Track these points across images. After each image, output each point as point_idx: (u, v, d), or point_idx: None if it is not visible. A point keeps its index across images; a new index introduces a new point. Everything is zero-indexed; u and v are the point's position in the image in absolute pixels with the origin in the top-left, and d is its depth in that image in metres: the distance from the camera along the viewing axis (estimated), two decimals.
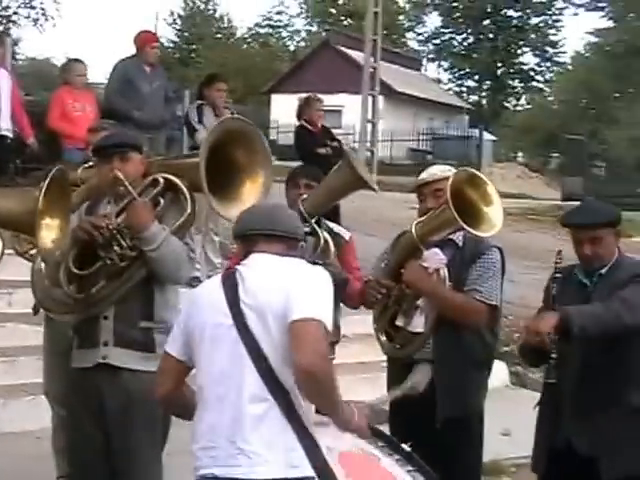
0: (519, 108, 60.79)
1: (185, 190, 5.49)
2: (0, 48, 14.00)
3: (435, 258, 5.67)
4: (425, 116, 48.28)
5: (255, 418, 3.96)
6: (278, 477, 3.91)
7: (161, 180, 5.51)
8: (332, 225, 6.35)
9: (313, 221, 5.99)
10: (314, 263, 5.08)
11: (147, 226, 5.30)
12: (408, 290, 5.73)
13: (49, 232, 5.41)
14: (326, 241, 5.98)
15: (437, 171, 5.93)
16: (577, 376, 5.25)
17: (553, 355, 5.17)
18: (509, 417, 6.17)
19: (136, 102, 12.41)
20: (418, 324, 5.76)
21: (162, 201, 5.50)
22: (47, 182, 5.23)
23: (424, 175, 5.92)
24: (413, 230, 5.75)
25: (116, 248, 5.36)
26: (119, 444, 5.45)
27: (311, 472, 3.95)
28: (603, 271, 5.34)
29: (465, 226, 5.48)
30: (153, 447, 5.57)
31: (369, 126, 23.34)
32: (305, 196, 6.15)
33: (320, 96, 14.03)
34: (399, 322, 5.83)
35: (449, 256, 5.73)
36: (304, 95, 14.39)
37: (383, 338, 5.90)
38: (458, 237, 5.77)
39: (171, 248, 5.36)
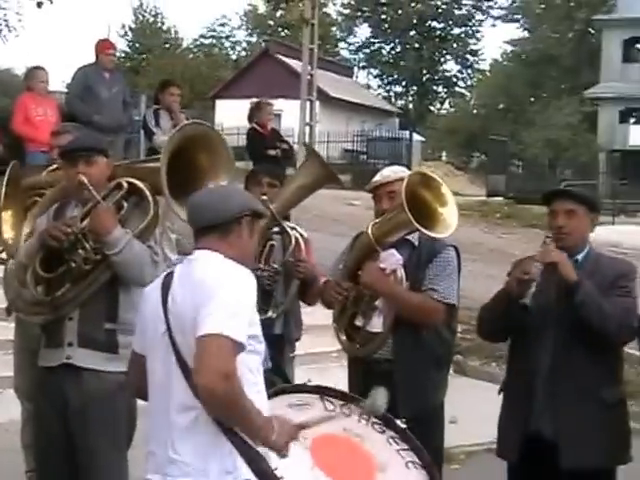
0: (443, 112, 62.02)
1: (148, 194, 5.25)
2: None
3: (392, 259, 5.42)
4: (358, 119, 48.58)
5: (183, 428, 3.70)
6: None
7: (125, 184, 5.26)
8: (292, 224, 6.07)
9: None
10: (287, 262, 5.17)
11: (110, 231, 5.08)
12: (366, 291, 5.48)
13: (8, 227, 5.50)
14: (297, 239, 5.76)
15: (390, 173, 5.72)
16: (553, 367, 5.03)
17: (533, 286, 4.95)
18: (453, 405, 5.78)
19: (95, 107, 12.40)
20: (377, 324, 5.53)
21: (125, 205, 5.27)
22: (5, 180, 5.20)
23: (377, 177, 5.73)
24: (369, 231, 5.54)
25: (80, 252, 5.15)
26: (81, 443, 5.23)
27: (249, 475, 3.66)
28: (579, 257, 5.13)
29: (421, 228, 5.23)
30: (115, 446, 5.32)
31: (307, 129, 23.45)
32: (265, 197, 5.84)
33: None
34: (358, 322, 5.61)
35: (406, 256, 5.49)
36: (254, 99, 14.47)
37: (343, 337, 5.68)
38: (414, 237, 5.54)
39: (134, 252, 5.12)
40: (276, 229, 5.92)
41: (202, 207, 3.97)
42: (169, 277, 3.92)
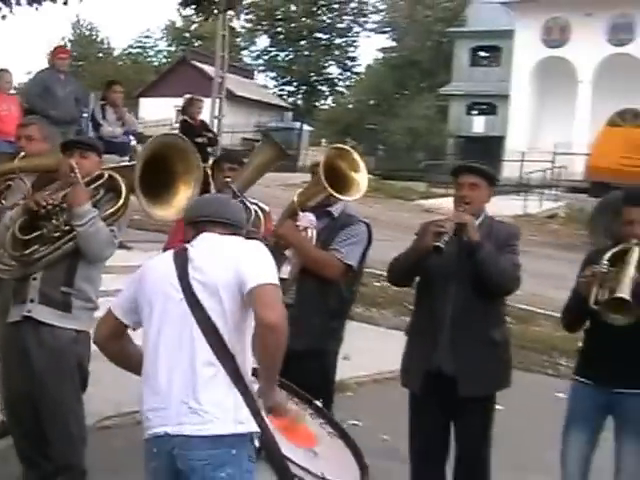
0: (326, 107, 61.10)
1: (123, 186, 5.15)
2: None
3: (306, 219, 5.38)
4: (258, 113, 47.97)
5: (205, 381, 3.51)
6: (227, 433, 3.48)
7: (105, 175, 5.19)
8: (254, 200, 5.88)
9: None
10: (248, 231, 4.82)
11: (80, 204, 4.97)
12: (280, 241, 5.39)
13: None
14: (256, 213, 5.61)
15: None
16: (454, 316, 5.00)
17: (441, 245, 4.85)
18: (345, 345, 5.68)
19: (52, 103, 12.12)
20: (285, 272, 5.41)
21: (102, 192, 5.18)
22: None
23: (317, 158, 5.75)
24: (295, 198, 5.50)
25: (53, 221, 5.06)
26: (40, 387, 5.15)
27: (256, 428, 3.55)
28: (477, 222, 5.03)
29: (330, 190, 5.21)
30: (70, 388, 5.23)
31: (216, 121, 23.14)
32: (229, 179, 5.77)
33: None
34: None
35: (324, 224, 5.43)
36: (187, 96, 14.54)
37: None
38: (336, 209, 5.46)
39: (96, 228, 5.01)
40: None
41: (222, 204, 3.91)
42: (182, 254, 3.71)
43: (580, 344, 5.25)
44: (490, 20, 42.03)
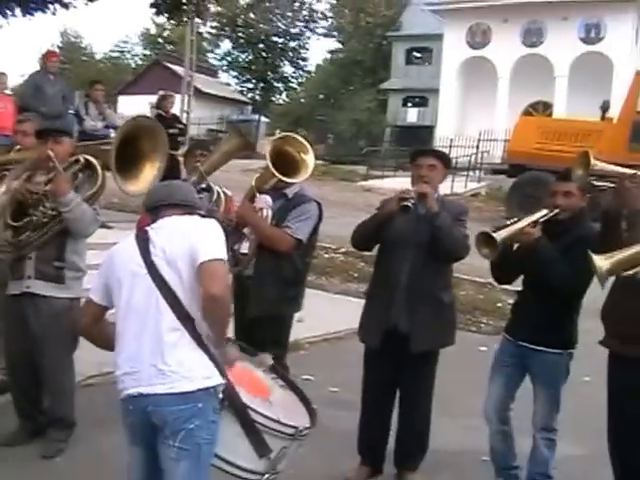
0: (281, 101, 60.76)
1: (99, 169, 5.14)
2: None
3: (262, 201, 5.31)
4: (221, 107, 47.65)
5: (171, 345, 3.44)
6: (194, 389, 3.43)
7: (82, 159, 5.15)
8: (217, 186, 5.86)
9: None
10: (210, 212, 4.85)
11: (64, 194, 4.97)
12: (239, 220, 5.37)
13: None
14: (219, 194, 5.52)
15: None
16: (410, 280, 4.95)
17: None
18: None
19: (43, 101, 11.97)
20: (245, 247, 5.45)
21: (80, 176, 5.16)
22: None
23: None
24: (253, 183, 5.41)
25: (41, 208, 5.07)
26: (39, 350, 5.24)
27: (222, 380, 3.51)
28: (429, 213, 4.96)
29: (278, 175, 5.12)
30: (63, 349, 5.31)
31: (184, 115, 22.99)
32: (198, 164, 5.72)
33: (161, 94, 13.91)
34: (235, 247, 5.47)
35: (280, 204, 5.34)
36: (161, 92, 14.29)
37: None
38: (290, 191, 5.36)
39: (81, 210, 5.02)
40: (203, 186, 5.67)
41: (175, 188, 3.79)
42: (143, 235, 3.62)
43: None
44: (422, 25, 42.21)
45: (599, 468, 4.64)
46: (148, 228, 3.66)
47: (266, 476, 3.73)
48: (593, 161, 4.16)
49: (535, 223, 4.64)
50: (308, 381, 6.00)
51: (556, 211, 4.69)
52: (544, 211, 4.70)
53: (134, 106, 34.08)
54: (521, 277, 5.00)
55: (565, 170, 4.66)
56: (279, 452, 3.72)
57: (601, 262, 3.86)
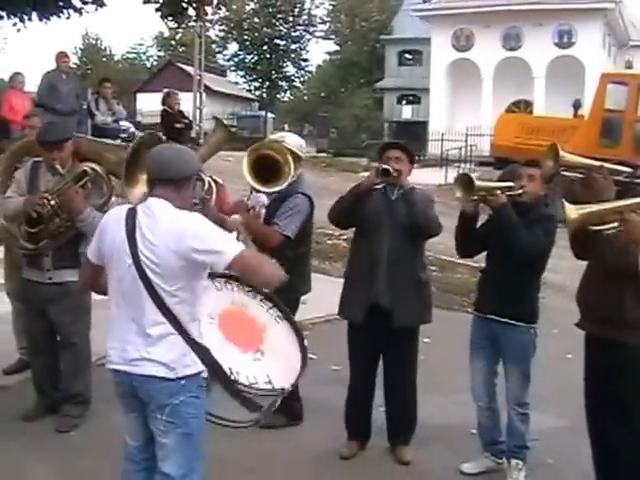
0: (286, 99, 60.89)
1: (107, 179, 5.06)
2: None
3: (255, 199, 5.09)
4: (231, 104, 47.27)
5: (154, 337, 3.24)
6: (177, 376, 3.26)
7: (90, 171, 5.01)
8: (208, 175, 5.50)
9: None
10: (203, 199, 4.66)
11: (81, 212, 4.90)
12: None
13: None
14: (210, 184, 5.12)
15: (274, 137, 5.52)
16: (389, 258, 4.83)
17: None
18: None
19: (57, 98, 11.96)
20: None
21: (89, 186, 5.04)
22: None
23: (273, 137, 5.58)
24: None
25: (56, 220, 5.00)
26: (59, 330, 5.23)
27: (202, 367, 3.32)
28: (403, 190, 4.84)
29: (255, 185, 4.86)
30: (81, 328, 5.26)
31: (197, 111, 22.90)
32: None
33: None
34: None
35: (270, 199, 5.15)
36: (165, 90, 14.18)
37: None
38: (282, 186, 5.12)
39: (96, 221, 4.66)
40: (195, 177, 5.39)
41: (166, 162, 3.30)
42: (131, 217, 3.30)
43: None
44: (412, 29, 41.90)
45: (581, 439, 4.49)
46: (138, 207, 3.33)
47: (260, 422, 3.73)
48: (562, 153, 4.11)
49: (503, 190, 4.59)
50: (311, 360, 5.86)
51: (520, 191, 4.61)
52: (512, 184, 4.65)
53: (150, 102, 34.07)
54: (484, 255, 4.92)
55: (531, 157, 4.72)
56: (270, 405, 3.67)
57: (571, 211, 3.82)
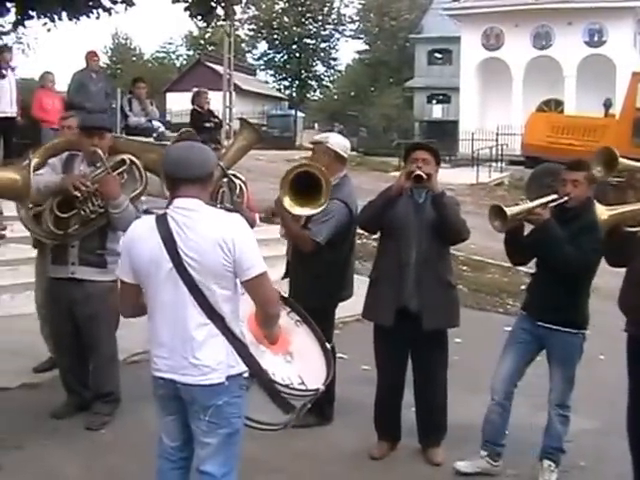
0: (315, 98, 60.76)
1: (142, 170, 5.08)
2: (8, 54, 13.06)
3: None
4: (260, 103, 47.14)
5: (200, 341, 3.21)
6: (223, 379, 3.24)
7: (127, 160, 5.05)
8: (233, 172, 5.42)
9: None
10: (235, 202, 4.67)
11: (117, 197, 4.91)
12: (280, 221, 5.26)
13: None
14: (240, 187, 5.17)
15: (318, 137, 5.50)
16: (418, 261, 4.78)
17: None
18: None
19: (87, 97, 11.99)
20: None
21: (125, 175, 5.06)
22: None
23: (317, 137, 5.57)
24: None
25: (90, 205, 4.96)
26: (85, 330, 5.19)
27: (244, 367, 3.31)
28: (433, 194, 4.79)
29: (292, 211, 4.92)
30: (108, 327, 5.24)
31: (227, 110, 22.91)
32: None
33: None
34: None
35: None
36: (195, 89, 14.05)
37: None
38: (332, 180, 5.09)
39: (128, 212, 4.89)
40: (224, 180, 5.14)
41: (190, 162, 3.24)
42: (164, 221, 3.23)
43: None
44: (442, 28, 41.77)
45: (612, 440, 4.50)
46: (168, 212, 3.26)
47: (289, 424, 3.74)
48: (621, 160, 4.02)
49: (545, 206, 4.52)
50: (341, 359, 5.85)
51: (565, 198, 4.53)
52: (554, 196, 4.56)
53: (179, 102, 34.22)
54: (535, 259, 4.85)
55: (574, 160, 4.61)
56: (302, 407, 3.67)
57: (602, 212, 3.80)
